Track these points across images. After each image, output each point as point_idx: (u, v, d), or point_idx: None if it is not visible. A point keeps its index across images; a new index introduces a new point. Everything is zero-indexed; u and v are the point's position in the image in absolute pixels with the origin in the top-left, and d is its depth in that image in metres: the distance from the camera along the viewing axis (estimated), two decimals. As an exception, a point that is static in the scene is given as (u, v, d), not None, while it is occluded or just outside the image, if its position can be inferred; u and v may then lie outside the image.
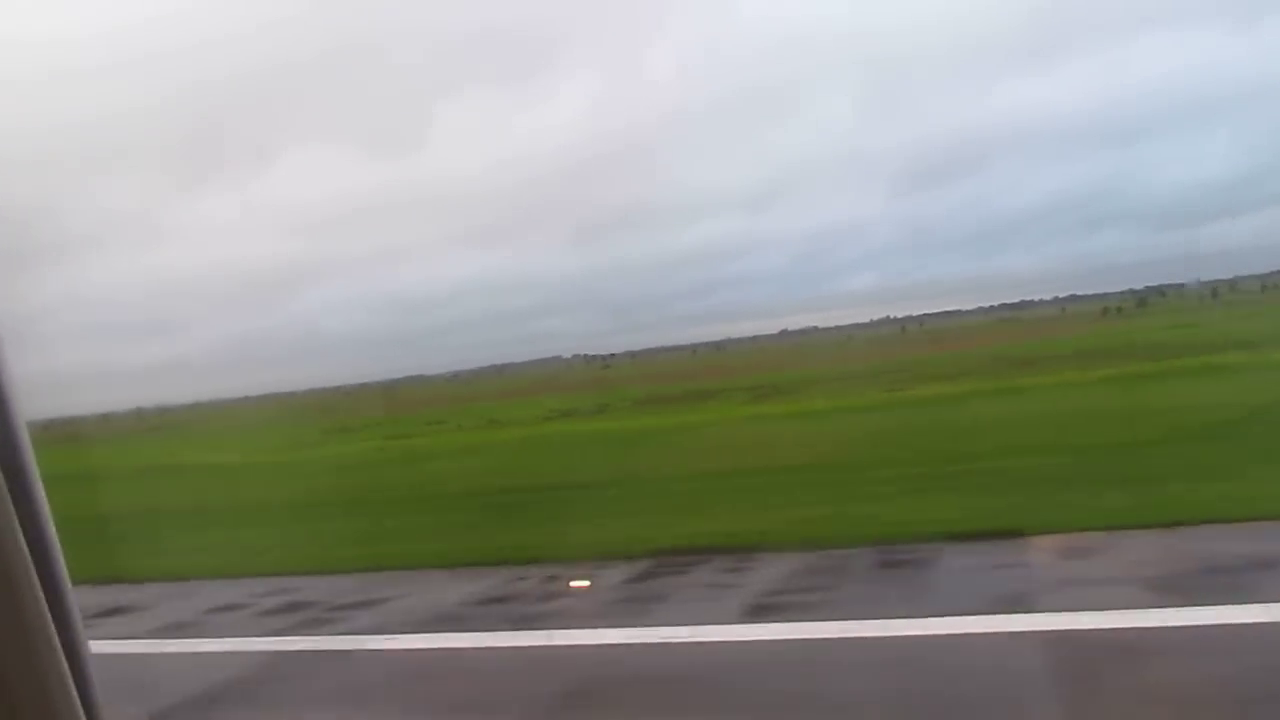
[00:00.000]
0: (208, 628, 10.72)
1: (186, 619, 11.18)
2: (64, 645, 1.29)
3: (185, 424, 66.83)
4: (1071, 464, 14.01)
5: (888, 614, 8.26)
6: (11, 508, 1.24)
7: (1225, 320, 49.37)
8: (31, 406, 1.35)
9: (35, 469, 1.33)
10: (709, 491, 15.90)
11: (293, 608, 11.24)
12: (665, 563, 11.13)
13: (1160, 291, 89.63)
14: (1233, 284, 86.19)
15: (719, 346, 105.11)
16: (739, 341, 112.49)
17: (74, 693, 1.30)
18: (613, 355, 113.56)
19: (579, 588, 10.59)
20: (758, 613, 8.78)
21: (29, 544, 1.26)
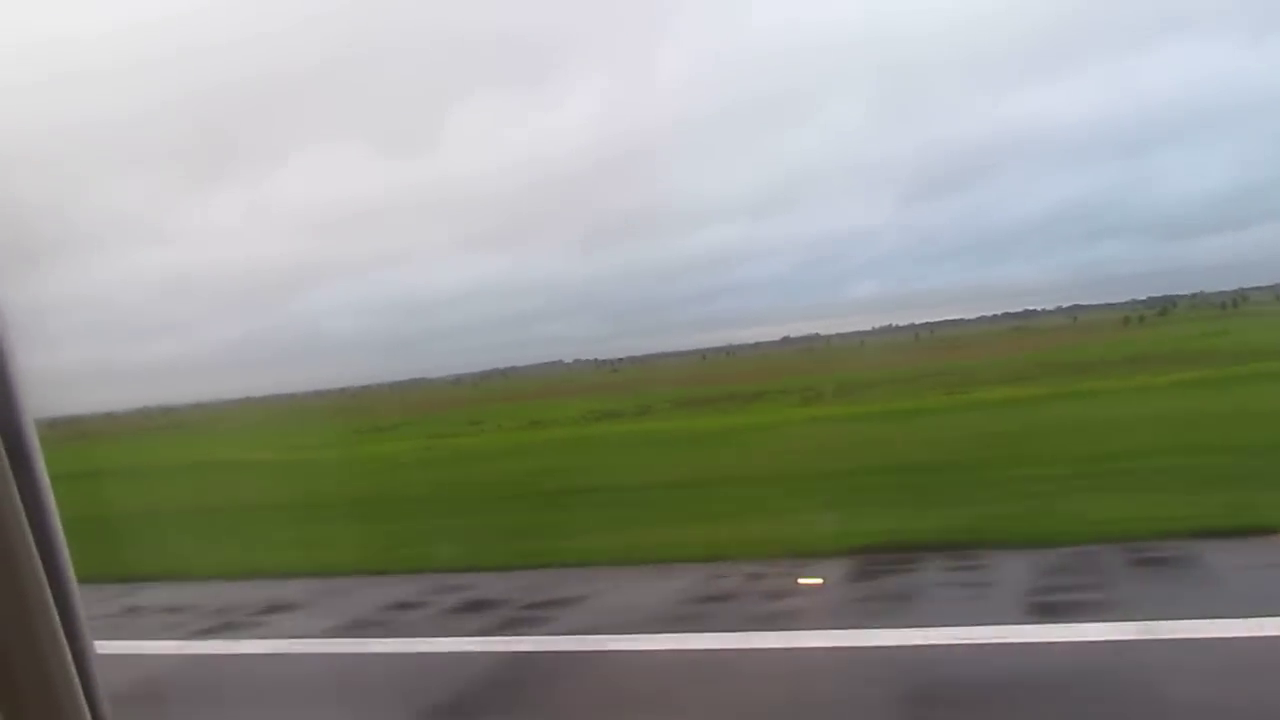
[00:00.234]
0: (401, 627, 9.96)
1: (368, 617, 10.41)
2: (70, 645, 1.30)
3: (197, 423, 65.60)
4: (1252, 464, 13.44)
5: (1196, 614, 7.64)
6: (20, 506, 1.23)
7: (1258, 329, 49.28)
8: (37, 403, 1.33)
9: (43, 466, 1.31)
10: (851, 489, 15.23)
11: (476, 605, 10.51)
12: (874, 560, 10.46)
13: (1171, 301, 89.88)
14: (1243, 295, 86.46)
15: (728, 352, 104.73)
16: (747, 347, 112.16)
17: (80, 693, 1.30)
18: (620, 360, 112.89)
19: (809, 585, 9.90)
20: (1046, 612, 8.13)
21: (36, 543, 1.25)
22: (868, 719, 6.41)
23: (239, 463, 31.65)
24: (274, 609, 11.25)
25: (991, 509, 12.36)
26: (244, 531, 17.83)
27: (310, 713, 7.71)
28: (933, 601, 8.97)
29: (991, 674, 6.91)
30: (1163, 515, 10.84)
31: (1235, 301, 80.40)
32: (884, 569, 10.10)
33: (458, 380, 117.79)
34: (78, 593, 1.34)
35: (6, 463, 1.23)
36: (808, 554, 11.15)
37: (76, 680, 1.30)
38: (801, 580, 10.01)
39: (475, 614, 10.25)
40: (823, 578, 10.03)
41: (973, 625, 7.94)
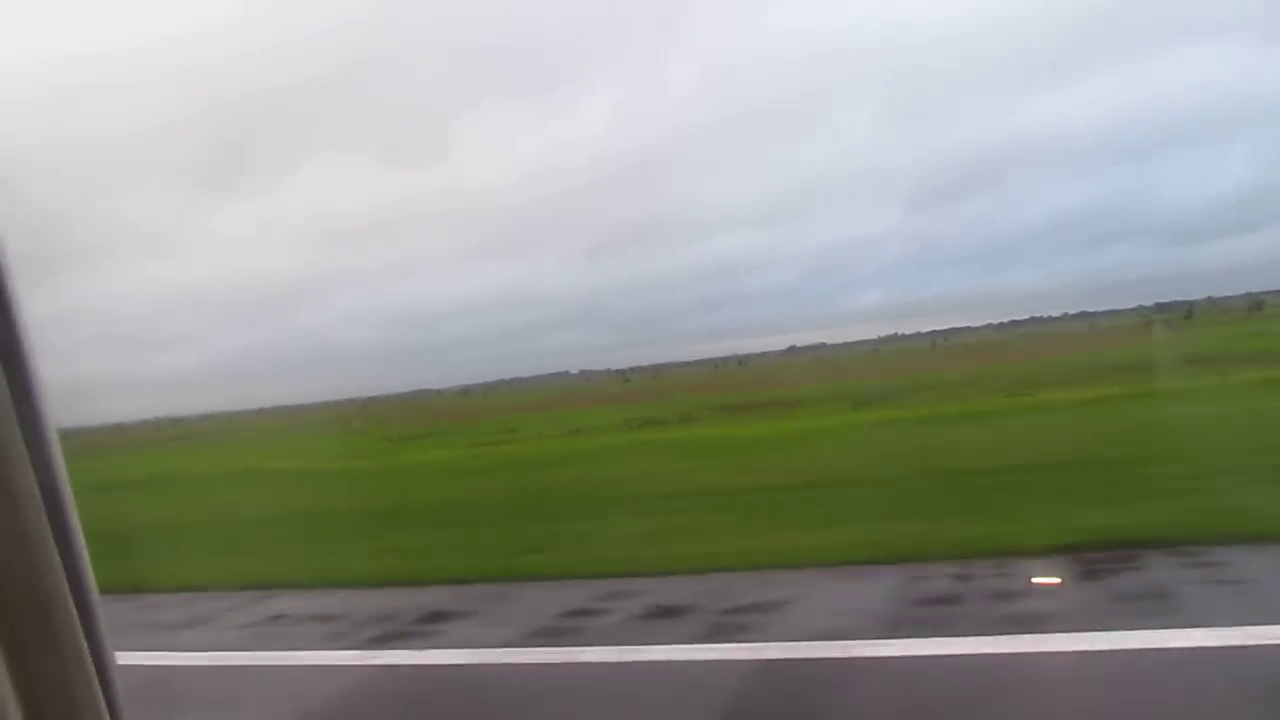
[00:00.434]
0: (595, 634, 9.20)
1: (550, 624, 9.65)
2: (92, 656, 1.30)
3: (211, 433, 64.59)
4: None
5: None
6: (45, 518, 1.24)
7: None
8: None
9: (66, 478, 1.31)
10: (994, 488, 14.46)
11: (665, 611, 9.76)
12: (1091, 558, 9.76)
13: (1187, 306, 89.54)
14: (1258, 299, 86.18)
15: (740, 361, 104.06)
16: (754, 357, 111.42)
17: (102, 704, 1.31)
18: (629, 370, 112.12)
19: (1044, 585, 9.18)
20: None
21: (59, 554, 1.27)
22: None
23: (288, 471, 30.76)
24: (435, 617, 10.46)
25: (1177, 504, 11.67)
26: (336, 538, 17.01)
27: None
28: (1208, 602, 8.25)
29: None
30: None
31: (1255, 305, 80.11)
32: (1111, 567, 9.41)
33: (465, 391, 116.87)
34: (100, 605, 1.33)
35: (32, 476, 1.24)
36: (1002, 553, 10.44)
37: (100, 692, 1.30)
38: (1035, 580, 9.28)
39: (669, 620, 9.51)
40: (1054, 577, 9.31)
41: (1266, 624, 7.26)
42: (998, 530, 11.46)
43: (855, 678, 7.31)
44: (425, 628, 10.04)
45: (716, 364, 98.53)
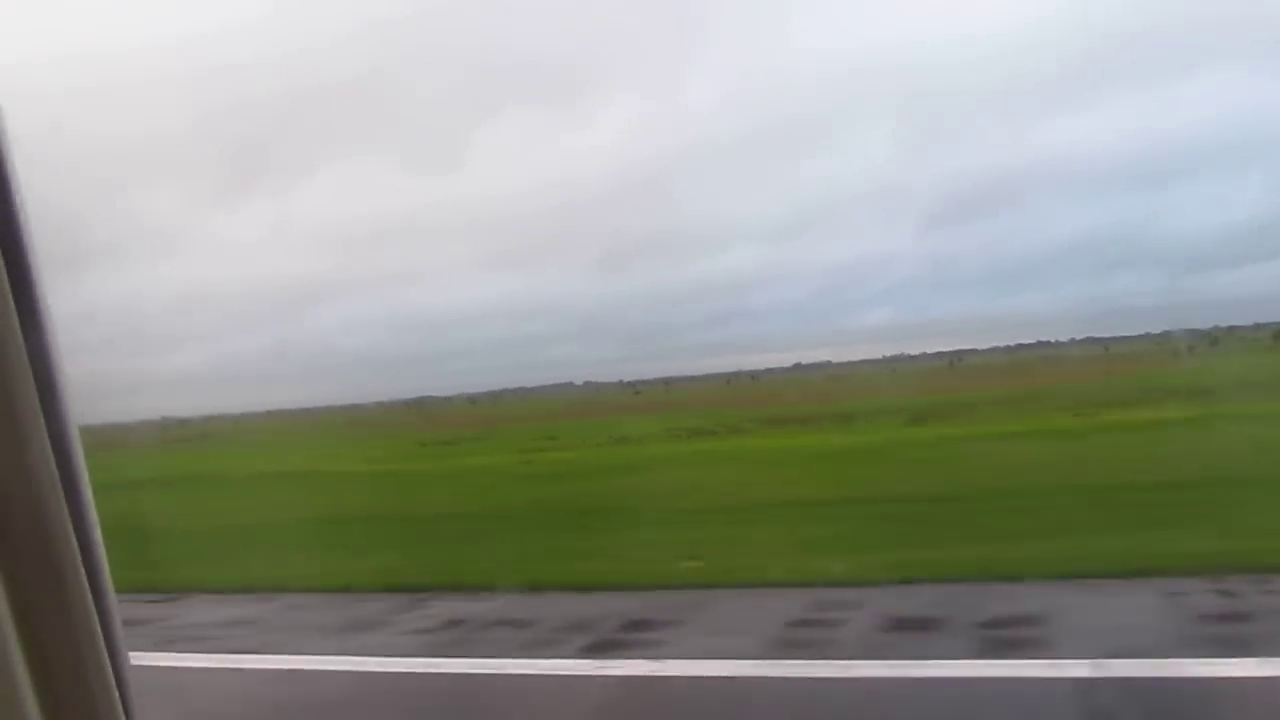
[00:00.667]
0: (839, 648, 8.44)
1: (779, 635, 8.88)
2: (109, 655, 1.31)
3: (228, 435, 63.42)
4: None
5: None
6: (67, 514, 1.25)
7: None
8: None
9: (86, 475, 1.31)
10: (1161, 505, 13.76)
11: (907, 624, 9.04)
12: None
13: (1209, 334, 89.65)
14: (1276, 329, 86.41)
15: (754, 377, 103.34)
16: (760, 373, 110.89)
17: (118, 704, 1.31)
18: (638, 382, 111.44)
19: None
20: None
21: (80, 554, 1.27)
22: None
23: (346, 474, 29.80)
24: (635, 625, 9.67)
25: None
26: (441, 541, 16.18)
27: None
28: None
29: None
30: None
31: (1278, 335, 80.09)
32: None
33: (472, 399, 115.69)
34: (116, 604, 1.34)
35: (56, 473, 1.24)
36: (1242, 569, 9.76)
37: (116, 692, 1.31)
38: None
39: (917, 633, 8.78)
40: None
41: None
42: (1221, 546, 10.77)
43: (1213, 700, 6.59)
44: (629, 636, 9.23)
45: (728, 379, 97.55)
